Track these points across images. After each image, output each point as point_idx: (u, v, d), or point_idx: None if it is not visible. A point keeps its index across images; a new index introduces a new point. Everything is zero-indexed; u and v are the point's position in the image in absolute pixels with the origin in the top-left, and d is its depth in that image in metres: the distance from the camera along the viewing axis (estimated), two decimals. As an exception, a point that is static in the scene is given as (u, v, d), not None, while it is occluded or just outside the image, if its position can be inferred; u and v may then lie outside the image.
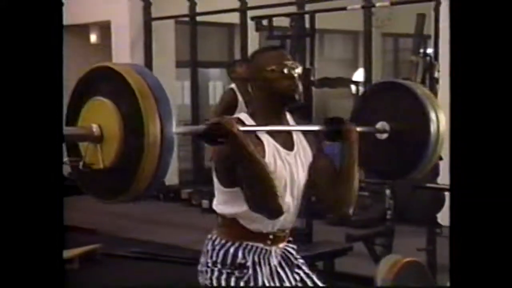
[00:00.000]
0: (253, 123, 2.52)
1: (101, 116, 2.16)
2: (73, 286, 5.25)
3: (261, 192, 2.38)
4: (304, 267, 2.71)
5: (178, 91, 10.75)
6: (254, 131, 2.49)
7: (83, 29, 10.81)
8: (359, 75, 11.48)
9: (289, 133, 2.60)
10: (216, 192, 2.61)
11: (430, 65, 4.92)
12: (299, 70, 2.55)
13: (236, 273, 2.54)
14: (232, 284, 2.52)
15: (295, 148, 2.59)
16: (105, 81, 2.19)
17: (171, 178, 10.08)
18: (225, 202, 2.57)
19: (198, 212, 8.16)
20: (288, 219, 2.60)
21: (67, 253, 5.77)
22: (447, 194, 4.85)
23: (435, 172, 4.81)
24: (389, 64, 13.14)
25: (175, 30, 10.25)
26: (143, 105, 2.06)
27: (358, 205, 7.37)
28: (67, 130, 2.22)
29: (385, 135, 2.83)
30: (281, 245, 2.65)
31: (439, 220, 4.96)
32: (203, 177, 9.49)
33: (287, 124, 2.61)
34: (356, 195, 2.64)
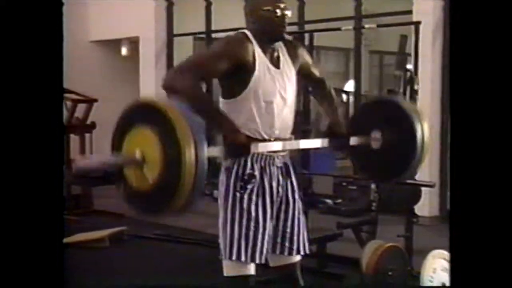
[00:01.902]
0: (253, 38, 2.58)
1: (143, 143, 2.11)
2: (104, 261, 5.27)
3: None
4: (294, 178, 2.73)
5: (195, 97, 10.74)
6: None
7: (116, 43, 10.82)
8: (349, 86, 11.46)
9: (277, 53, 2.64)
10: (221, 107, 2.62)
11: (411, 79, 4.89)
12: (289, 12, 2.60)
13: (248, 187, 2.55)
14: (245, 198, 2.54)
15: (281, 66, 2.63)
16: (146, 113, 2.15)
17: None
18: (227, 114, 2.56)
19: (211, 200, 8.12)
20: (284, 127, 2.63)
21: (100, 234, 5.77)
22: (423, 189, 4.84)
23: (413, 170, 4.80)
24: (375, 77, 13.11)
25: (193, 45, 10.25)
26: (181, 135, 2.04)
27: (347, 197, 7.28)
28: (114, 159, 2.17)
29: (378, 144, 2.80)
30: (282, 153, 2.66)
31: (416, 211, 4.95)
32: (215, 170, 9.50)
33: (277, 50, 2.64)
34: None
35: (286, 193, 2.68)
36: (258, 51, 2.55)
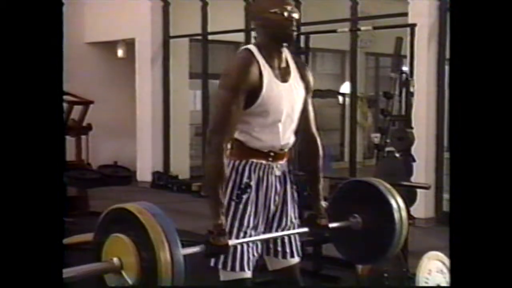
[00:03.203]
0: (258, 53, 2.52)
1: (119, 249, 2.17)
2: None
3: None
4: (291, 191, 2.73)
5: (191, 99, 10.76)
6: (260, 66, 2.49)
7: (112, 45, 10.83)
8: (345, 88, 11.48)
9: (287, 66, 2.61)
10: None
11: (406, 81, 4.91)
12: (297, 14, 2.53)
13: (243, 197, 2.55)
14: (240, 208, 2.54)
15: (290, 81, 2.60)
16: (119, 219, 2.21)
17: (183, 173, 10.10)
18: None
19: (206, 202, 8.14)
20: (285, 140, 2.61)
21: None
22: (418, 190, 4.85)
23: (409, 171, 4.81)
24: (371, 79, 13.14)
25: (189, 46, 10.26)
26: (154, 237, 2.09)
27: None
28: (92, 266, 2.23)
29: (358, 227, 2.80)
30: (281, 161, 2.66)
31: (411, 213, 4.96)
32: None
33: (285, 58, 2.61)
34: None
35: (282, 200, 2.69)
36: (264, 67, 2.51)
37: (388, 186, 2.85)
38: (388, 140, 4.86)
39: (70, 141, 7.40)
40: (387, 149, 4.79)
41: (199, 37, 9.69)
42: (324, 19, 8.06)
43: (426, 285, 3.69)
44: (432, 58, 6.99)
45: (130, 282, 2.15)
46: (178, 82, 10.11)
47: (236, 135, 2.54)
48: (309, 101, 2.74)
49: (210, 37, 9.64)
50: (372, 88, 13.05)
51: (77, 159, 7.47)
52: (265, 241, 2.68)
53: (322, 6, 8.93)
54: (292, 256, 2.72)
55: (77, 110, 7.58)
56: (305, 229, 2.75)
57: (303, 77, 2.67)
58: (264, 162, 2.59)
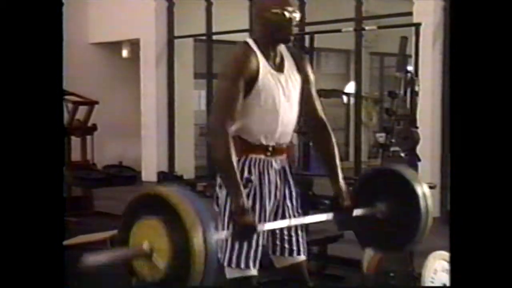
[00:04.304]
0: (255, 46, 2.58)
1: (150, 234, 2.10)
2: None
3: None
4: (291, 182, 2.73)
5: (195, 99, 10.77)
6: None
7: (117, 46, 10.85)
8: (350, 88, 11.48)
9: (281, 59, 2.64)
10: None
11: (411, 80, 4.89)
12: (297, 15, 2.58)
13: (245, 191, 2.53)
14: None
15: (285, 71, 2.63)
16: (150, 203, 2.16)
17: (188, 172, 10.11)
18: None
19: (211, 202, 8.12)
20: (284, 133, 2.63)
21: (101, 235, 5.75)
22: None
23: (414, 171, 4.79)
24: (375, 79, 13.13)
25: (193, 47, 10.27)
26: (187, 223, 2.02)
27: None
28: (121, 252, 2.18)
29: (382, 215, 2.72)
30: (280, 157, 2.67)
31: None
32: (216, 172, 9.48)
33: (281, 53, 2.64)
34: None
35: (283, 197, 2.70)
36: (261, 60, 2.57)
37: (414, 173, 2.81)
38: (393, 140, 4.85)
39: (75, 141, 7.40)
40: (392, 148, 4.77)
41: (204, 37, 9.71)
42: (329, 19, 8.06)
43: (432, 284, 3.69)
44: (437, 57, 6.98)
45: (161, 267, 2.07)
46: (183, 82, 10.12)
47: (236, 128, 2.54)
48: (312, 90, 2.76)
49: (214, 37, 9.65)
50: (376, 87, 13.04)
51: (82, 159, 7.47)
52: (272, 240, 2.68)
53: (326, 6, 8.93)
54: (298, 253, 2.72)
55: (82, 110, 7.59)
56: (330, 215, 2.68)
57: (300, 69, 2.70)
58: (263, 157, 2.60)
